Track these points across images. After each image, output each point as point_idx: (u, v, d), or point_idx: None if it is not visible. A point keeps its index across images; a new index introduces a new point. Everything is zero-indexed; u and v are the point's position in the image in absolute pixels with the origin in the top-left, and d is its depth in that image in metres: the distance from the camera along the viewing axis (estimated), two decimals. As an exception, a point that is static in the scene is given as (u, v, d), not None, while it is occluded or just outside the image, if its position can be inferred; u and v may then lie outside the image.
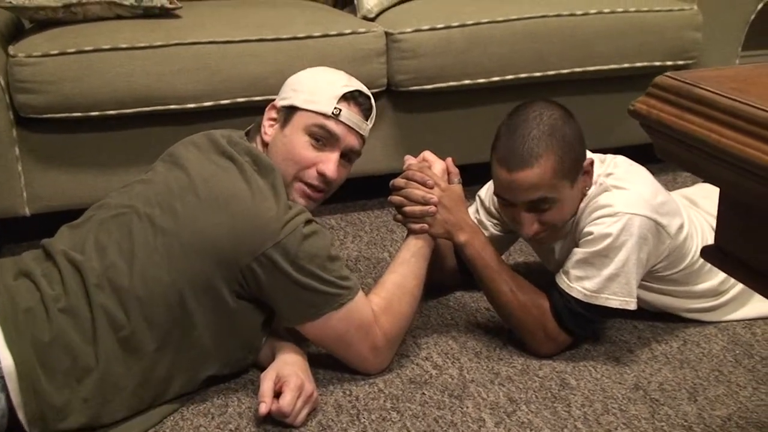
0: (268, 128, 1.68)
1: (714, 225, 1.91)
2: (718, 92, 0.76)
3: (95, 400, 1.45)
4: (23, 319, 1.43)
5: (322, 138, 1.64)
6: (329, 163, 1.64)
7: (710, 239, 1.80)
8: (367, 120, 1.70)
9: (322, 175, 1.64)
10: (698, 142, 0.77)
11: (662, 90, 0.82)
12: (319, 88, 1.66)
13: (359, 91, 1.68)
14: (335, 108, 1.63)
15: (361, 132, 1.68)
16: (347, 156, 1.69)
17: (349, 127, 1.65)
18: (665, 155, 0.84)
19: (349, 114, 1.65)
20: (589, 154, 1.71)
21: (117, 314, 1.47)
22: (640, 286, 1.71)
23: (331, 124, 1.63)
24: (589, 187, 1.70)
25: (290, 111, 1.66)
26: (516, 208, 1.67)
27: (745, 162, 0.72)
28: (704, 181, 1.99)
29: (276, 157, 1.63)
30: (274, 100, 1.73)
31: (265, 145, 1.67)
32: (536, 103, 1.67)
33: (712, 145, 0.75)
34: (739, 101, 0.74)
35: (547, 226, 1.68)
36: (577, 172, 1.65)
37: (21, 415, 1.40)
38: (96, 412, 1.46)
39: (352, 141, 1.67)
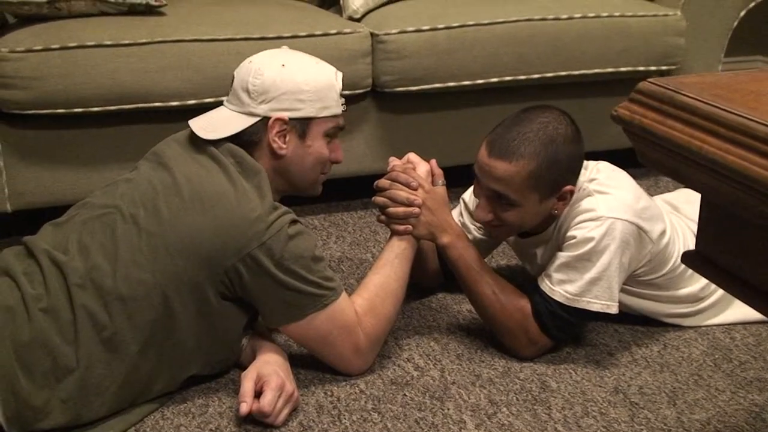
0: (281, 142, 1.62)
1: (695, 230, 1.92)
2: (700, 99, 0.77)
3: (75, 401, 1.44)
4: (3, 317, 1.42)
5: (336, 132, 1.71)
6: (338, 150, 1.72)
7: (692, 245, 1.81)
8: None
9: (335, 162, 1.73)
10: (680, 148, 0.77)
11: (645, 96, 0.82)
12: (325, 92, 1.65)
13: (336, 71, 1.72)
14: (342, 104, 1.68)
15: None
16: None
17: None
18: (647, 161, 0.85)
19: (343, 100, 1.70)
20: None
21: (99, 315, 1.46)
22: (622, 291, 1.72)
23: (342, 120, 1.70)
24: (561, 212, 1.71)
25: (305, 122, 1.64)
26: (480, 189, 1.69)
27: (727, 169, 0.73)
28: (686, 186, 2.00)
29: (300, 167, 1.66)
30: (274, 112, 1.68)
31: (280, 157, 1.63)
32: (553, 110, 1.67)
33: (694, 151, 0.75)
34: (721, 108, 0.75)
35: (500, 222, 1.69)
36: (552, 191, 1.65)
37: (-1, 414, 1.39)
38: (76, 412, 1.45)
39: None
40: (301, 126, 1.64)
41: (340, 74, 1.69)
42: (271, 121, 1.61)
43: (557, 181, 1.64)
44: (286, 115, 1.61)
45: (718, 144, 0.74)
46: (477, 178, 1.69)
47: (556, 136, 1.62)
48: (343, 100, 1.69)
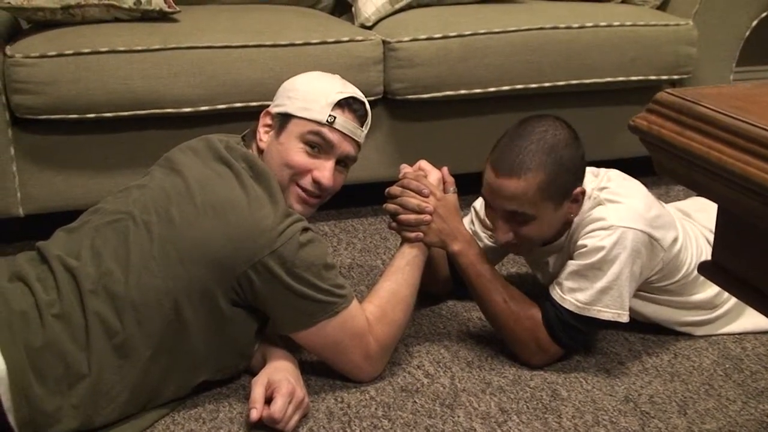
0: (263, 135, 1.69)
1: (709, 237, 1.92)
2: (719, 110, 0.77)
3: (87, 406, 1.45)
4: (16, 323, 1.42)
5: (317, 145, 1.64)
6: (324, 170, 1.64)
7: (705, 250, 1.81)
8: (362, 126, 1.70)
9: (317, 182, 1.64)
10: (698, 159, 0.77)
11: (663, 106, 0.82)
12: (313, 96, 1.65)
13: (354, 98, 1.68)
14: (329, 116, 1.63)
15: (356, 138, 1.68)
16: (343, 162, 1.69)
17: (344, 134, 1.66)
18: (664, 171, 0.85)
19: (344, 121, 1.65)
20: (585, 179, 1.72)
21: (111, 321, 1.46)
22: (636, 296, 1.72)
23: (326, 132, 1.63)
24: (576, 215, 1.71)
25: (285, 118, 1.66)
26: (494, 213, 1.68)
27: (746, 180, 0.73)
28: (698, 195, 2.00)
29: (271, 163, 1.64)
30: (270, 106, 1.73)
31: (261, 151, 1.68)
32: (547, 118, 1.67)
33: (713, 162, 0.75)
34: (740, 120, 0.75)
35: (521, 239, 1.69)
36: (564, 196, 1.65)
37: (11, 419, 1.39)
38: (87, 417, 1.45)
39: (347, 148, 1.67)
40: (281, 121, 1.67)
41: (346, 94, 1.66)
42: (262, 113, 1.70)
43: (567, 186, 1.65)
44: (273, 109, 1.69)
45: (736, 155, 0.74)
46: (488, 202, 1.69)
47: (556, 142, 1.63)
48: (340, 120, 1.64)
